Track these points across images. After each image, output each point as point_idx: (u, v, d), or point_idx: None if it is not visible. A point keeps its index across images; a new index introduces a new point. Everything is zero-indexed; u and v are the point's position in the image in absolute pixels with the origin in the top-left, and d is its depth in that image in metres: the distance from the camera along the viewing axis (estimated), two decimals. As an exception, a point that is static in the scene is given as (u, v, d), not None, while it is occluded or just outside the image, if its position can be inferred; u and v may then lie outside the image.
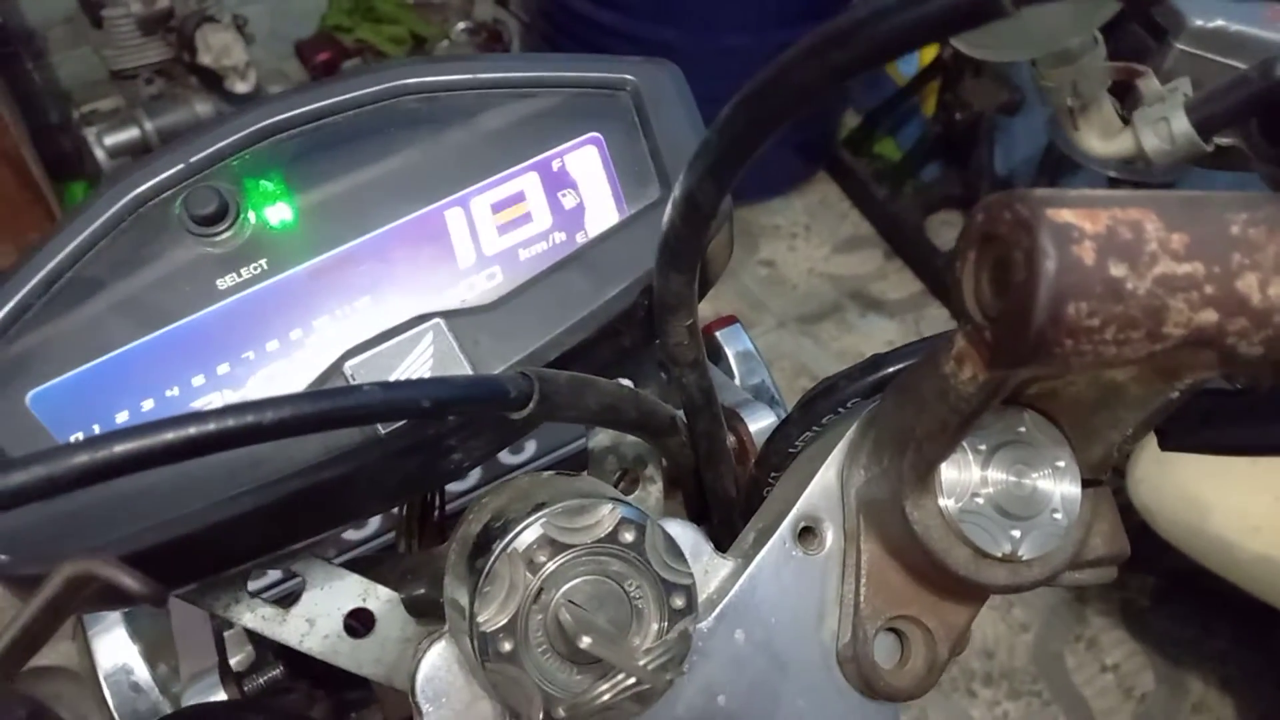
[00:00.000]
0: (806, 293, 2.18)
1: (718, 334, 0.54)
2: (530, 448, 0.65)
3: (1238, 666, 1.63)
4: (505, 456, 0.63)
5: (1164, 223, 0.22)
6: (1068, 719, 1.60)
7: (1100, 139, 0.30)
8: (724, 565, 0.33)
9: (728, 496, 0.37)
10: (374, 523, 0.52)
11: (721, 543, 0.34)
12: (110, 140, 1.88)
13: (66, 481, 0.21)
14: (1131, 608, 1.71)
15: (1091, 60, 0.29)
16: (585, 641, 0.26)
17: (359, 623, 0.35)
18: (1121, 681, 1.64)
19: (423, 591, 0.33)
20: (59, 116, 2.14)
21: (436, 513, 0.40)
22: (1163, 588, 1.71)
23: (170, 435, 0.22)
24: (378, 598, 0.35)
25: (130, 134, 1.89)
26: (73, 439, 0.30)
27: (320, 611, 0.34)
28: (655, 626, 0.29)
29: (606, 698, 0.27)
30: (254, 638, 0.46)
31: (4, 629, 0.23)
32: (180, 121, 1.91)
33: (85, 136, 1.89)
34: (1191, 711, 1.61)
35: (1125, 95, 0.29)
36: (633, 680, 0.27)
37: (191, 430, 0.22)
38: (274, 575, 0.51)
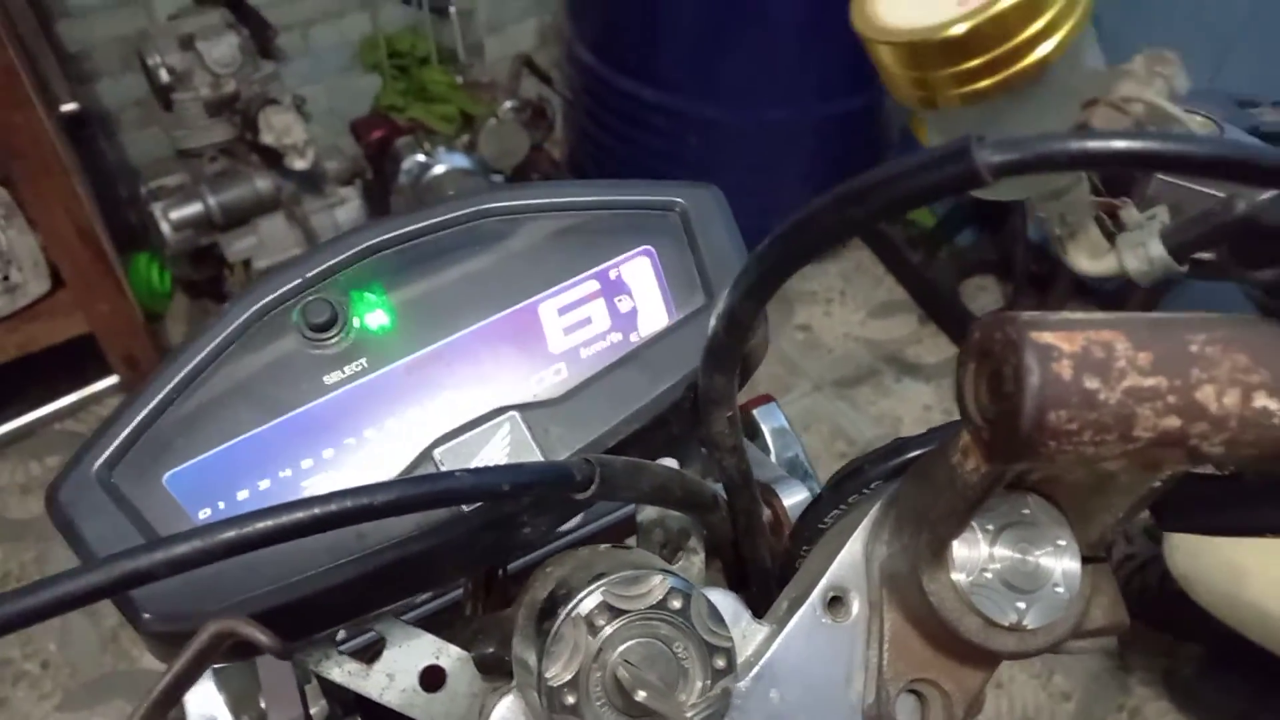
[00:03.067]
0: (842, 357, 2.21)
1: (754, 412, 0.59)
2: (575, 519, 0.69)
3: (1289, 741, 1.60)
4: (555, 524, 0.67)
5: (1132, 342, 0.27)
6: (1112, 791, 1.57)
7: (1088, 260, 0.34)
8: (760, 630, 0.37)
9: (763, 567, 0.41)
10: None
11: (758, 610, 0.38)
12: (175, 215, 1.98)
13: (217, 553, 0.26)
14: (1176, 678, 1.69)
15: (1077, 195, 0.33)
16: (641, 695, 0.30)
17: (433, 678, 0.39)
18: (1167, 755, 1.61)
19: (491, 650, 0.37)
20: (127, 192, 2.26)
21: (501, 573, 0.45)
22: (1209, 658, 1.69)
23: (301, 514, 0.27)
24: (449, 656, 0.39)
25: (194, 209, 1.98)
26: (201, 514, 0.35)
27: (399, 668, 0.39)
28: (699, 684, 0.33)
29: None
30: (328, 692, 0.50)
31: (159, 678, 0.28)
32: (242, 196, 2.00)
33: (152, 211, 1.99)
34: (1240, 786, 1.58)
35: (1115, 217, 0.33)
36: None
37: (317, 510, 0.27)
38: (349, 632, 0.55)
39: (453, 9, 2.35)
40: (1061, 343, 0.26)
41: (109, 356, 1.95)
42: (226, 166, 2.05)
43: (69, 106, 1.86)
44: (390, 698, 0.38)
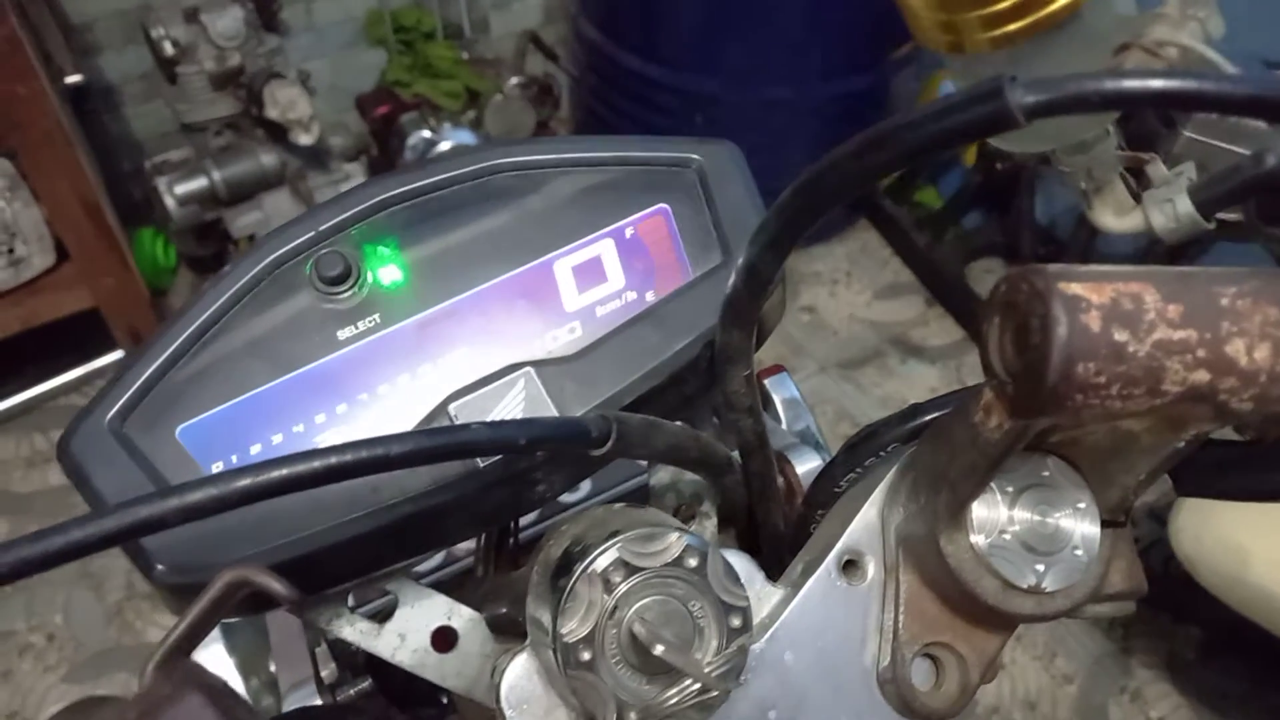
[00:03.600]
0: (848, 339, 2.20)
1: (765, 381, 0.58)
2: (585, 487, 0.69)
3: (1288, 723, 1.61)
4: (564, 495, 0.67)
5: (1161, 295, 0.26)
6: (1112, 772, 1.58)
7: (1114, 216, 0.33)
8: (775, 593, 0.36)
9: (777, 531, 0.41)
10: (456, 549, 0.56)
11: (771, 573, 0.38)
12: (180, 189, 1.98)
13: (232, 501, 0.26)
14: (1177, 661, 1.69)
15: (1104, 150, 0.32)
16: (658, 649, 0.29)
17: (444, 639, 0.39)
18: (1167, 736, 1.62)
19: (503, 611, 0.37)
20: (131, 166, 2.25)
21: (511, 540, 0.44)
22: (1210, 642, 1.69)
23: (317, 464, 0.26)
24: (461, 616, 0.39)
25: (199, 183, 1.98)
26: (214, 468, 0.35)
27: (411, 628, 0.38)
28: (715, 643, 0.32)
29: (673, 702, 0.30)
30: (338, 656, 0.50)
31: (172, 627, 0.27)
32: (246, 171, 2.00)
33: (156, 185, 1.99)
34: (1240, 767, 1.59)
35: (1139, 175, 0.33)
36: (698, 686, 0.30)
37: (333, 460, 0.27)
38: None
39: (458, -16, 2.33)
40: (1090, 294, 0.26)
41: (114, 331, 1.95)
42: (231, 141, 2.05)
43: (73, 79, 1.84)
44: (402, 657, 0.38)
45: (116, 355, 2.01)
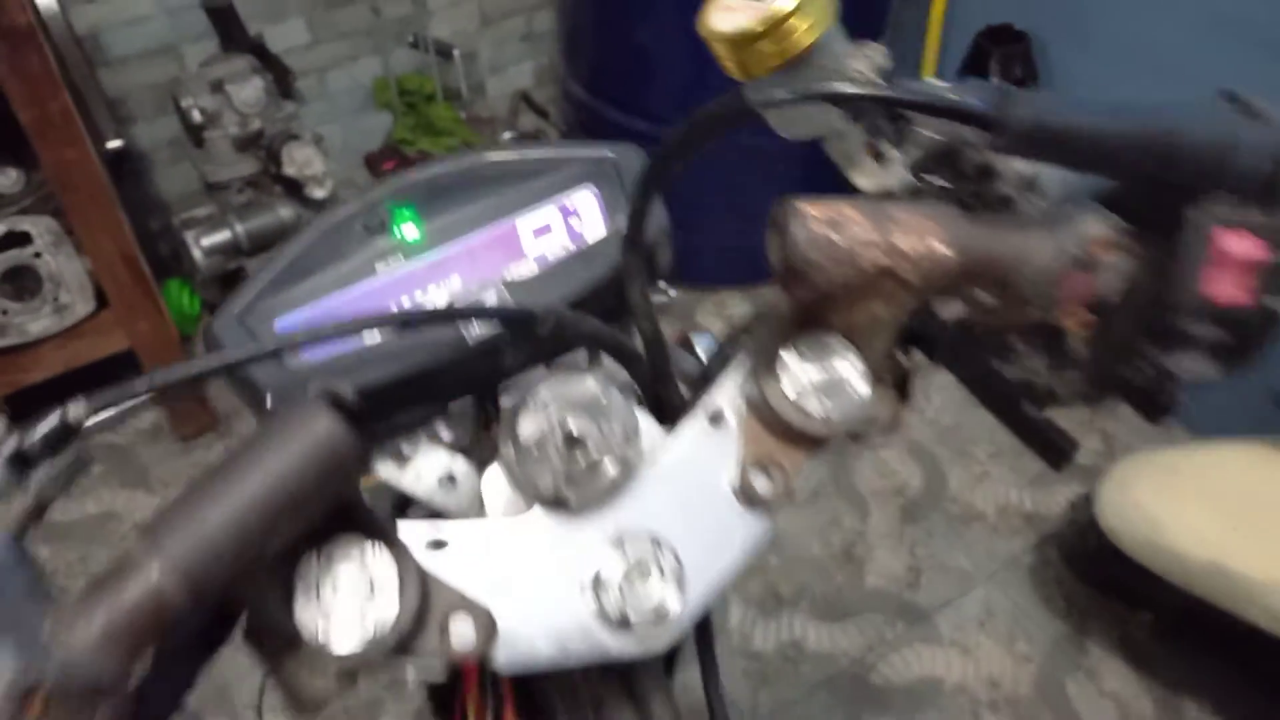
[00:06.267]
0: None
1: (692, 337, 0.77)
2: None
3: (1231, 690, 1.73)
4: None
5: (859, 212, 0.45)
6: (1069, 742, 1.71)
7: (864, 180, 0.52)
8: (664, 437, 0.54)
9: (672, 403, 0.59)
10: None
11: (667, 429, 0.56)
12: (206, 241, 2.17)
13: (322, 336, 0.44)
14: (1130, 640, 1.82)
15: (852, 136, 0.51)
16: (576, 428, 0.47)
17: (449, 479, 0.56)
18: (1120, 707, 1.74)
19: (488, 457, 0.55)
20: (158, 225, 2.46)
21: (492, 408, 0.63)
22: (1158, 624, 1.82)
23: (373, 319, 0.45)
24: (459, 463, 0.57)
25: (223, 235, 2.18)
26: (296, 347, 0.54)
27: (425, 470, 0.56)
28: (618, 435, 0.50)
29: (585, 465, 0.48)
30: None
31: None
32: (266, 224, 2.20)
33: (184, 238, 2.18)
34: (1187, 733, 1.71)
35: (879, 154, 0.52)
36: (609, 460, 0.48)
37: (386, 316, 0.45)
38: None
39: (456, 53, 2.56)
40: (814, 211, 0.44)
41: (146, 372, 2.12)
42: (252, 197, 2.25)
43: (114, 144, 2.05)
44: (418, 490, 0.56)
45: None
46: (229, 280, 2.27)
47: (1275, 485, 1.34)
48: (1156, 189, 0.44)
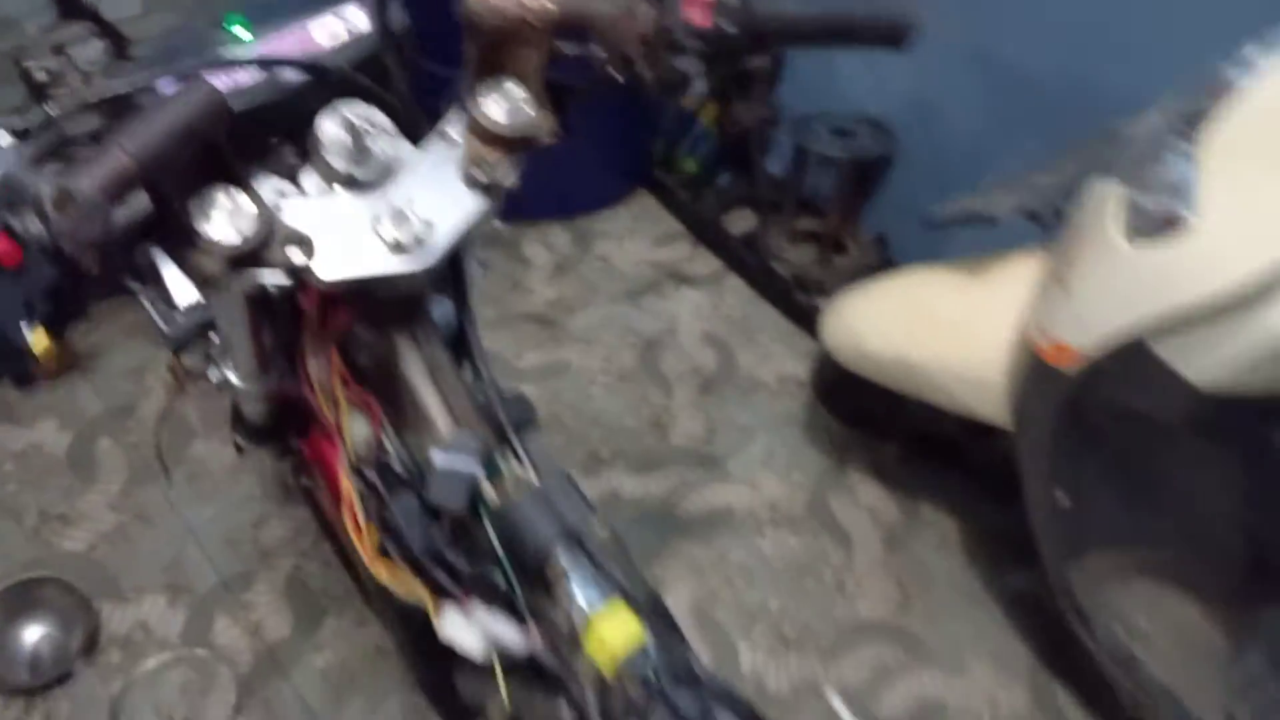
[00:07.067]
0: (634, 277, 2.74)
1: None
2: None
3: (961, 495, 2.17)
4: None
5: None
6: (833, 544, 2.12)
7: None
8: (414, 150, 0.88)
9: (419, 130, 0.92)
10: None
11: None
12: (59, 194, 2.35)
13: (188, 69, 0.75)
14: (881, 465, 2.24)
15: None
16: (356, 119, 0.80)
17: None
18: (873, 515, 2.17)
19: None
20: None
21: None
22: (902, 452, 2.26)
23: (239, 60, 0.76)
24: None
25: (75, 187, 2.36)
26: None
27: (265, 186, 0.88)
28: (379, 148, 0.83)
29: (363, 149, 0.81)
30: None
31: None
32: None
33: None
34: (924, 526, 2.15)
35: None
36: (379, 145, 0.81)
37: (245, 59, 0.77)
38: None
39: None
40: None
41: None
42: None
43: (-37, 100, 2.20)
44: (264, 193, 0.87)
45: None
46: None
47: (942, 289, 1.71)
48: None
